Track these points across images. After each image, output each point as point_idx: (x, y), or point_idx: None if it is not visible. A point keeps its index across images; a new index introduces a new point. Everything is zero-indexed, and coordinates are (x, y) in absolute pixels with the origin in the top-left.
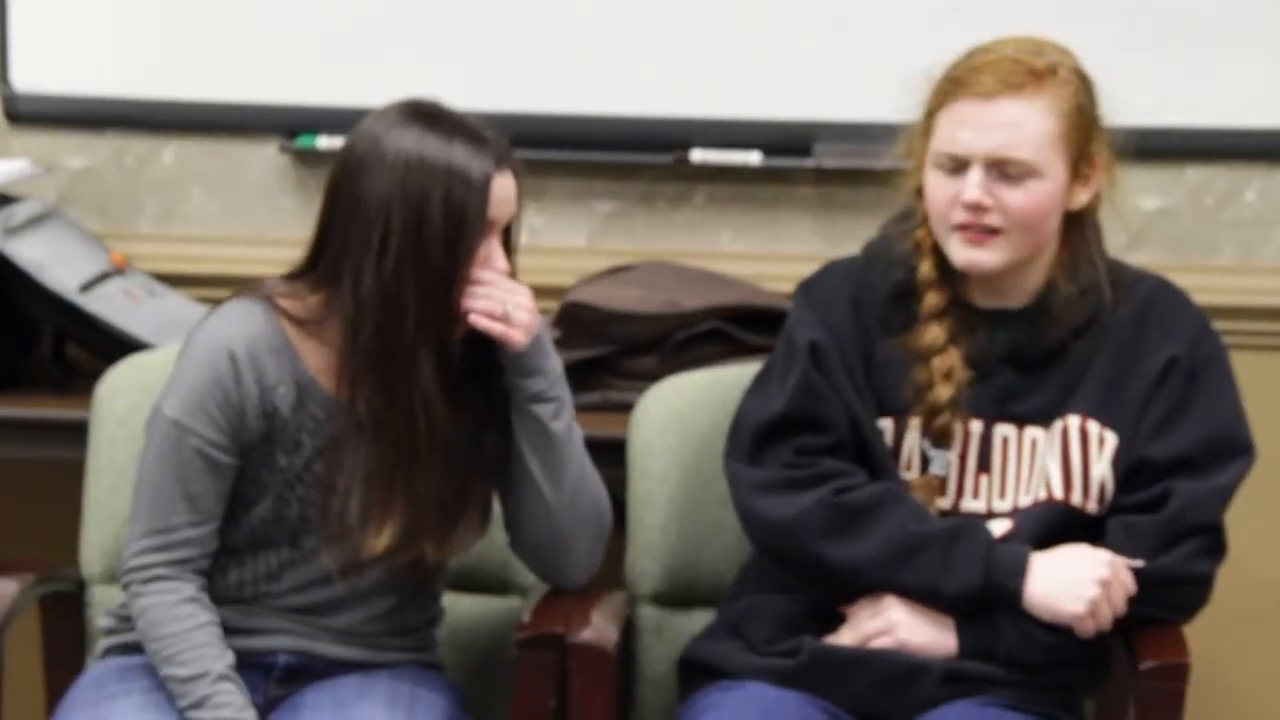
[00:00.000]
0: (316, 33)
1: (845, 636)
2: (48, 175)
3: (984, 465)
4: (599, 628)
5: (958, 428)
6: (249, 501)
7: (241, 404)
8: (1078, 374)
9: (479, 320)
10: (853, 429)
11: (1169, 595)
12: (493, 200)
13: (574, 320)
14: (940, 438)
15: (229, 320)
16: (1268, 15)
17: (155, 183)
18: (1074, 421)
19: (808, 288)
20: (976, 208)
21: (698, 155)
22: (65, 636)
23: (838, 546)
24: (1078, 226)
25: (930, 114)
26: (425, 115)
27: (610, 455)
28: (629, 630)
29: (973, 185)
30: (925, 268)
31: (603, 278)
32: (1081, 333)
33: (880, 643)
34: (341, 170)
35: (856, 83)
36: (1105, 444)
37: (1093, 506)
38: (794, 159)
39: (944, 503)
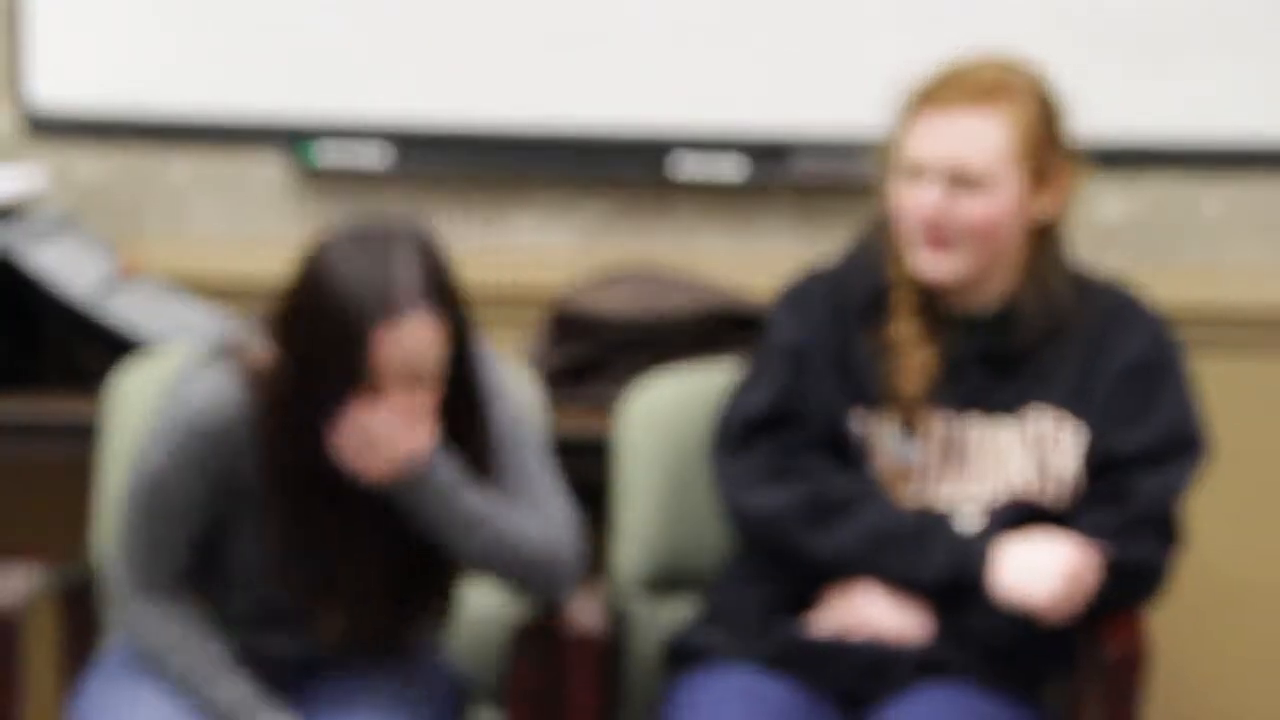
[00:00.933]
0: (322, 46)
1: (822, 623)
2: (63, 185)
3: (954, 458)
4: (589, 619)
5: (928, 420)
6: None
7: (215, 477)
8: (1046, 376)
9: (342, 456)
10: (830, 426)
11: (1129, 585)
12: (381, 354)
13: (560, 325)
14: (909, 428)
15: (203, 395)
16: (1231, 23)
17: (165, 191)
18: (1043, 419)
19: (788, 293)
20: (932, 217)
21: (680, 162)
22: (79, 625)
23: (817, 539)
24: (1042, 238)
25: (900, 126)
26: (365, 238)
27: (600, 457)
28: (615, 623)
29: (928, 195)
30: (898, 266)
31: (588, 283)
32: (1047, 340)
33: (854, 628)
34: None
35: (837, 94)
36: (1071, 438)
37: (1061, 502)
38: (775, 169)
39: (916, 493)
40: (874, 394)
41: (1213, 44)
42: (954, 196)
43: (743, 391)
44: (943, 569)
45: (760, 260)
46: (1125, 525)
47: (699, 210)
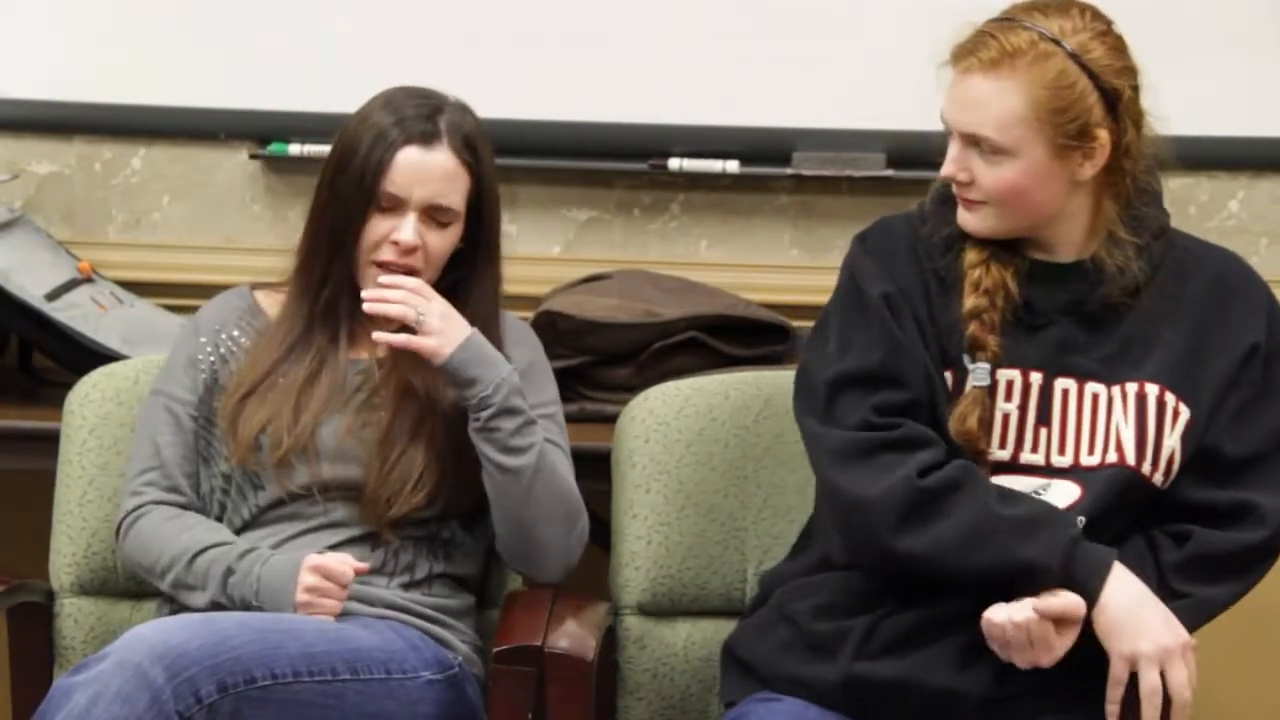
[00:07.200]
0: (287, 39)
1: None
2: (14, 181)
3: (1044, 418)
4: (577, 637)
5: (1017, 378)
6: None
7: (195, 354)
8: (1142, 335)
9: (382, 336)
10: (926, 382)
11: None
12: (394, 168)
13: (550, 330)
14: (974, 348)
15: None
16: (1251, 21)
17: (124, 189)
18: (1152, 390)
19: (865, 239)
20: (953, 177)
21: (675, 163)
22: (33, 648)
23: (911, 536)
24: (1112, 188)
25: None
26: (403, 88)
27: (586, 466)
28: (612, 641)
29: (949, 160)
30: None
31: (578, 287)
32: (1140, 292)
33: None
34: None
35: (835, 90)
36: (1180, 417)
37: (1159, 478)
38: (772, 167)
39: (1003, 454)
40: (958, 351)
41: (1233, 41)
42: (973, 162)
43: (821, 347)
44: (1050, 561)
45: (757, 263)
46: (1246, 552)
47: (693, 211)
